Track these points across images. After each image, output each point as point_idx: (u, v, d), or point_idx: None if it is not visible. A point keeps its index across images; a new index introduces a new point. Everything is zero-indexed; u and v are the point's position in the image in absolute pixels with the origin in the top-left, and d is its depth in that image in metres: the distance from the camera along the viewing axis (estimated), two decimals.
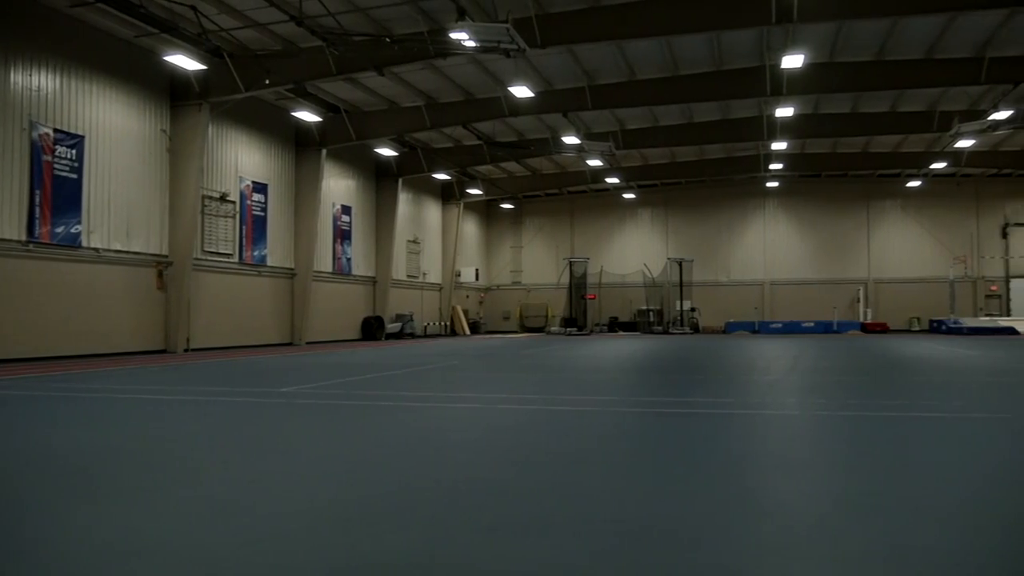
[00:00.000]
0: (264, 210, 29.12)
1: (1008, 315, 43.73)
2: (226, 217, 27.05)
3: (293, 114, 28.61)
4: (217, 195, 26.56)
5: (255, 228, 28.58)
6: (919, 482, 5.58)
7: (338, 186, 34.43)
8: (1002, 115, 28.89)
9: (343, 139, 31.09)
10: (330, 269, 33.67)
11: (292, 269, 30.84)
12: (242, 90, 24.08)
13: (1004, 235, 45.39)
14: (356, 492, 5.32)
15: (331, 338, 33.15)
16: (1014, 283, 45.01)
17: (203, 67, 22.61)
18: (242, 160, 28.04)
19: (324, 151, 31.27)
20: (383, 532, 4.30)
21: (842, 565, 3.75)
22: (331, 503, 4.99)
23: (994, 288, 45.43)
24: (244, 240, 27.97)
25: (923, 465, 6.22)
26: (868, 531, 4.29)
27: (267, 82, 24.04)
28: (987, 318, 42.15)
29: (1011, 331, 38.61)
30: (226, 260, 27.13)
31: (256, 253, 28.60)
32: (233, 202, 27.39)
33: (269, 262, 29.43)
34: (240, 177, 27.83)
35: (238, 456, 6.82)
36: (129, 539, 4.21)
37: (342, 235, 34.64)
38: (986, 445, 7.19)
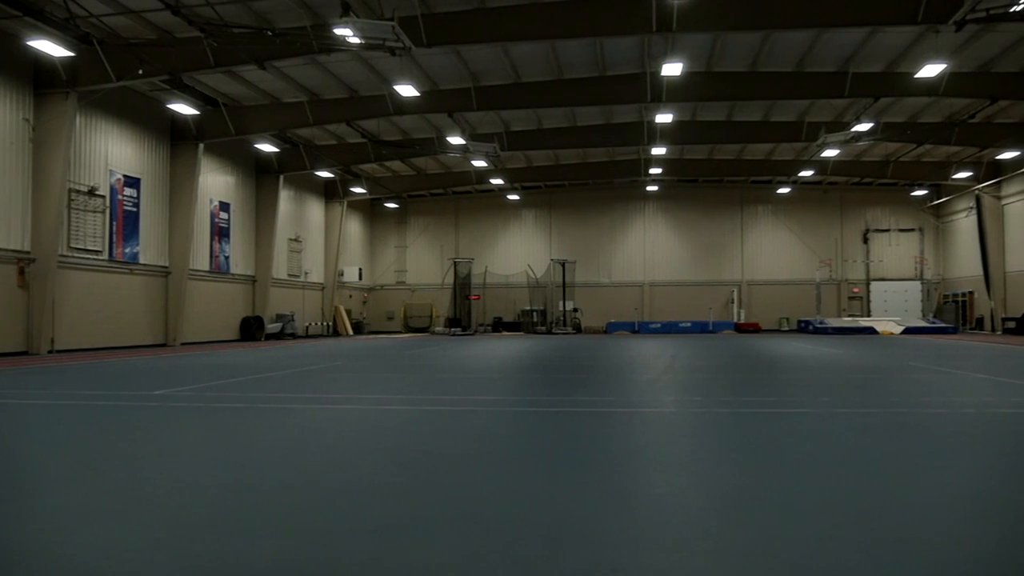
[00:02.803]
0: (136, 205, 27.92)
1: (868, 315, 46.46)
2: (95, 212, 25.80)
3: (169, 106, 27.44)
4: (85, 189, 25.30)
5: (127, 224, 27.37)
6: (790, 476, 5.85)
7: (216, 182, 33.36)
8: (863, 127, 30.75)
9: (222, 133, 30.16)
10: (207, 267, 32.60)
11: (166, 267, 29.69)
12: (113, 79, 23.00)
13: (865, 240, 48.20)
14: (232, 497, 5.17)
15: (208, 339, 32.10)
16: (874, 286, 47.83)
17: (70, 54, 21.46)
18: (113, 153, 26.80)
19: (201, 145, 30.23)
20: (260, 536, 4.20)
21: (718, 558, 3.90)
22: (205, 508, 4.85)
23: (856, 290, 48.15)
24: (115, 236, 26.75)
25: (793, 459, 6.52)
26: (742, 524, 4.47)
27: (140, 72, 23.05)
28: (850, 318, 44.70)
29: (871, 331, 41.03)
30: (95, 257, 25.88)
31: (128, 250, 27.39)
32: (103, 196, 26.15)
33: (142, 260, 28.24)
34: (111, 170, 26.60)
35: (104, 462, 6.52)
36: None
37: (220, 232, 33.59)
38: (851, 439, 7.59)
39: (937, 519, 4.59)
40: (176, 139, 30.04)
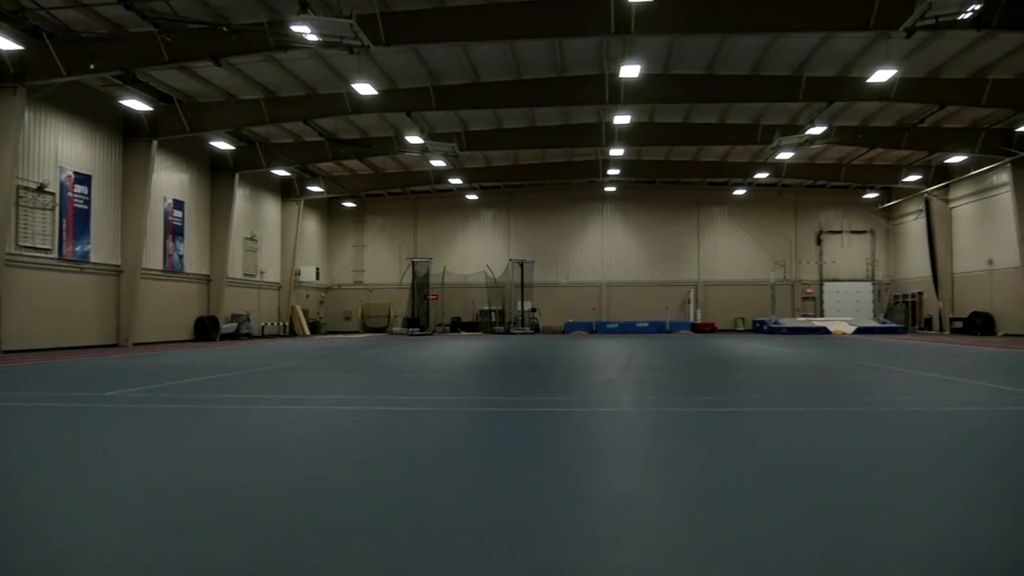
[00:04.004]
0: (88, 203, 27.38)
1: (822, 316, 47.22)
2: (44, 209, 25.24)
3: (121, 102, 26.95)
4: (34, 186, 24.73)
5: (77, 222, 26.82)
6: (745, 474, 5.92)
7: (170, 179, 32.83)
8: (817, 130, 31.21)
9: (176, 130, 29.68)
10: (160, 266, 32.07)
11: (118, 266, 29.15)
12: (64, 74, 22.52)
13: (818, 242, 48.99)
14: (187, 498, 5.10)
15: (162, 339, 31.58)
16: (827, 286, 48.64)
17: (19, 47, 20.92)
18: (63, 149, 26.25)
19: (155, 142, 29.71)
20: (215, 537, 4.15)
21: (674, 556, 3.93)
22: (159, 510, 4.77)
23: (810, 291, 48.91)
24: (65, 234, 26.19)
25: (749, 458, 6.60)
26: (697, 522, 4.52)
27: (92, 67, 22.60)
28: (803, 318, 45.39)
29: (824, 331, 41.72)
30: (44, 256, 25.32)
31: (78, 248, 26.85)
32: (52, 194, 25.59)
33: (93, 258, 27.69)
34: (61, 167, 26.04)
35: (53, 465, 6.38)
36: None
37: (174, 231, 33.07)
38: (806, 437, 7.71)
39: (891, 514, 4.67)
40: (129, 136, 29.50)
